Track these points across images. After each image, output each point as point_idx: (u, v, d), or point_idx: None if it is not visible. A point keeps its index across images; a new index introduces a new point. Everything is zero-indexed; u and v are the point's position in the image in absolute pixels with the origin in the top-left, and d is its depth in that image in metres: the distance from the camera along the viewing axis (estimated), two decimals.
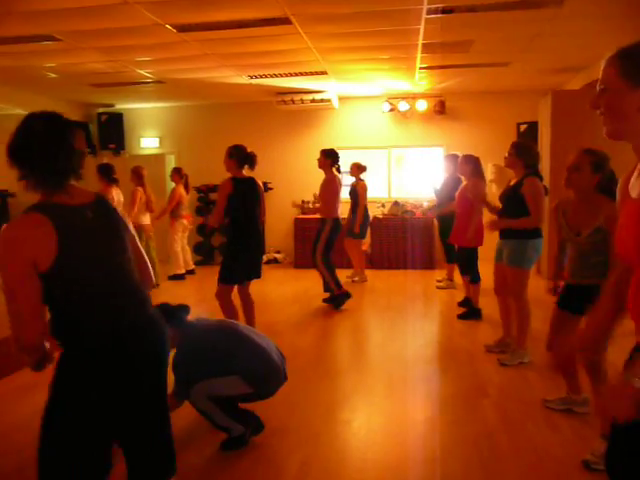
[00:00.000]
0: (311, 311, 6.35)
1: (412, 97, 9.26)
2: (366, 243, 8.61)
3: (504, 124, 9.00)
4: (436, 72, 7.74)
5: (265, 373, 3.11)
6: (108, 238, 1.92)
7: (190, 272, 8.52)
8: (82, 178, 1.92)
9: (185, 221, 8.28)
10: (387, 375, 4.31)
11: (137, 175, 7.49)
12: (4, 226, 1.76)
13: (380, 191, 9.75)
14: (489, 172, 8.14)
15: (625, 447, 1.44)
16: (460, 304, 6.23)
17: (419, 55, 6.63)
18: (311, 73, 7.65)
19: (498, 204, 4.59)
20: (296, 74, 7.72)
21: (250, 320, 4.86)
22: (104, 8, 4.68)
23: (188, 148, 10.23)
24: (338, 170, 6.60)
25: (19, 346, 1.77)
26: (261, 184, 4.99)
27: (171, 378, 2.43)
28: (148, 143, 10.51)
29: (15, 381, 4.07)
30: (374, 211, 8.79)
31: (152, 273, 2.16)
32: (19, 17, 4.88)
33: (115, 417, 1.92)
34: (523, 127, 8.99)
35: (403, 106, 9.27)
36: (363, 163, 7.83)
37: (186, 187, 8.22)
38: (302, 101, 9.09)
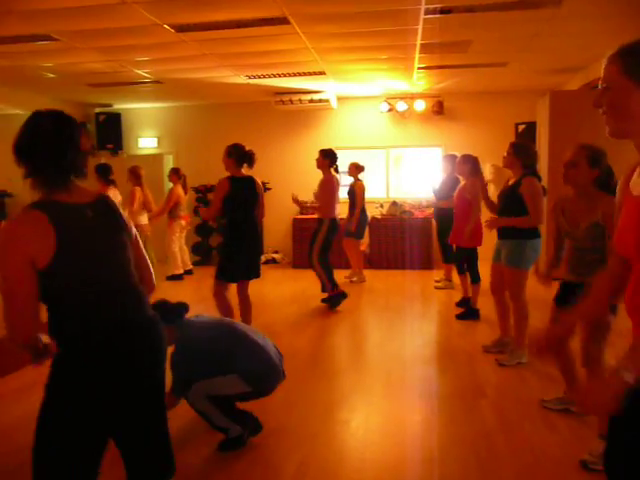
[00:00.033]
0: (309, 311, 6.35)
1: (410, 97, 9.27)
2: (364, 243, 8.61)
3: (502, 124, 9.01)
4: (434, 72, 7.75)
5: (264, 371, 3.11)
6: (107, 237, 1.91)
7: (188, 272, 8.52)
8: (86, 177, 1.92)
9: (183, 222, 8.27)
10: (385, 375, 4.31)
11: (135, 175, 7.48)
12: (2, 223, 1.76)
13: (378, 191, 9.76)
14: (487, 172, 8.14)
15: (625, 447, 1.44)
16: (458, 304, 6.23)
17: (417, 55, 6.63)
18: (309, 73, 7.65)
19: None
20: (294, 74, 7.72)
21: (246, 321, 4.85)
22: (102, 8, 4.68)
23: (186, 148, 10.23)
24: (336, 170, 6.60)
25: (14, 341, 1.77)
26: (260, 183, 4.98)
27: (169, 376, 2.42)
28: (146, 143, 10.50)
29: (14, 381, 4.05)
30: (372, 211, 8.79)
31: (153, 277, 2.15)
32: (16, 17, 4.87)
33: (112, 417, 1.91)
34: (521, 127, 9.00)
35: (401, 106, 9.28)
36: (361, 163, 7.83)
37: (184, 187, 8.22)
38: (300, 101, 9.10)
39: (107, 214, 1.94)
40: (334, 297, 6.36)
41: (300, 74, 7.71)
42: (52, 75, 7.35)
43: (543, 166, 7.09)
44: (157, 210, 7.81)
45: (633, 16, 5.08)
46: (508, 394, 3.87)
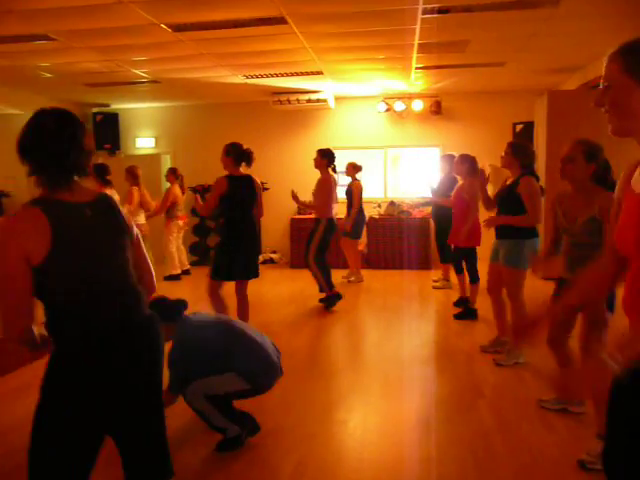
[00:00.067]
0: (307, 311, 6.35)
1: (408, 97, 9.27)
2: (362, 243, 8.60)
3: (500, 124, 9.02)
4: (432, 72, 7.75)
5: (262, 369, 3.10)
6: (106, 237, 1.91)
7: (186, 272, 8.51)
8: (88, 176, 1.92)
9: (180, 222, 8.26)
10: (383, 375, 4.30)
11: (132, 175, 7.46)
12: (0, 219, 1.76)
13: (376, 191, 9.75)
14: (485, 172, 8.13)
15: (624, 447, 1.44)
16: (456, 304, 6.23)
17: (415, 55, 6.63)
18: (307, 73, 7.65)
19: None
20: (292, 74, 7.71)
21: (243, 320, 4.84)
22: (99, 7, 4.67)
23: (184, 148, 10.21)
24: (334, 170, 6.60)
25: (8, 337, 1.77)
26: (259, 182, 4.97)
27: (166, 374, 2.41)
28: (144, 143, 10.48)
29: (12, 382, 4.04)
30: (370, 211, 8.79)
31: (154, 279, 2.14)
32: (13, 16, 4.86)
33: (108, 417, 1.90)
34: (519, 127, 9.01)
35: (399, 106, 9.27)
36: (359, 163, 7.83)
37: (181, 187, 8.20)
38: (298, 101, 9.09)
39: (107, 213, 1.93)
40: (329, 298, 6.36)
41: (298, 74, 7.70)
42: (49, 75, 7.33)
43: (541, 166, 7.10)
44: (154, 209, 7.79)
45: (631, 15, 5.08)
46: (506, 394, 3.87)
